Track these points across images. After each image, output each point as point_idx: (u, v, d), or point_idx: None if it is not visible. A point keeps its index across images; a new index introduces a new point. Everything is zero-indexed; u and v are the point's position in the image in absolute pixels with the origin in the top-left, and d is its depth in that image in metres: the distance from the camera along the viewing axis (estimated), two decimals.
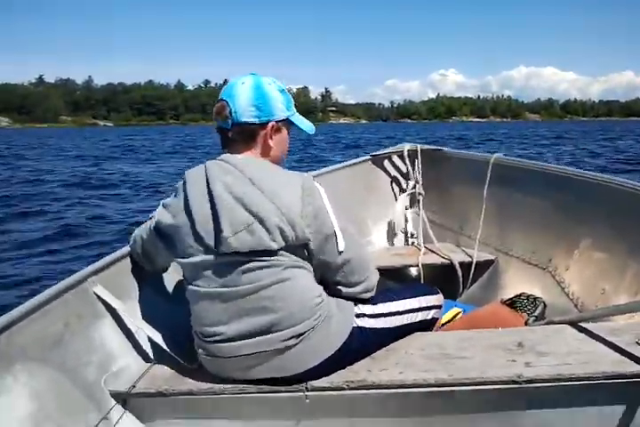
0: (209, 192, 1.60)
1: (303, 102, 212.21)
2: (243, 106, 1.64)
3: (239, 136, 1.68)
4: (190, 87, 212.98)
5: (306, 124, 1.81)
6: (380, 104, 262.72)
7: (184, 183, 1.68)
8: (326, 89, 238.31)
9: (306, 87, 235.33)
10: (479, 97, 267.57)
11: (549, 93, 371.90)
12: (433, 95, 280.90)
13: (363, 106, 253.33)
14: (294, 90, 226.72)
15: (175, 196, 1.72)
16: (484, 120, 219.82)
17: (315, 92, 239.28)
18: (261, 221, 1.53)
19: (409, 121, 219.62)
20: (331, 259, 1.66)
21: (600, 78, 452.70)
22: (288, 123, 1.76)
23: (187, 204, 1.63)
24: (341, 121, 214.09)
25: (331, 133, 55.97)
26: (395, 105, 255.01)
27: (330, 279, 1.73)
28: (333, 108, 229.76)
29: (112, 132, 79.67)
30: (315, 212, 1.60)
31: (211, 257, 1.61)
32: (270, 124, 1.68)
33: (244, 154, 1.69)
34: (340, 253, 1.65)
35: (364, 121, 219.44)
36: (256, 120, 1.66)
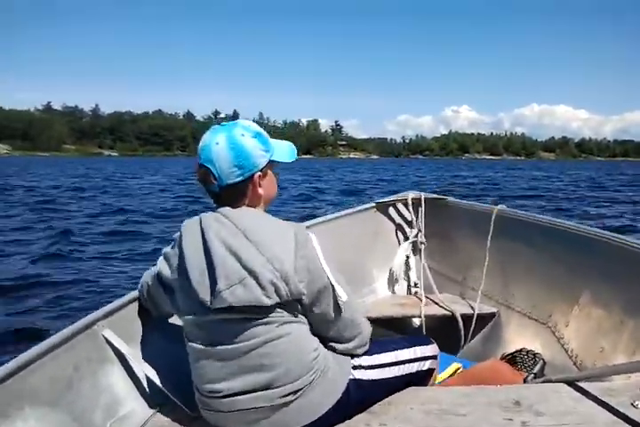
0: (204, 245, 1.62)
1: (312, 136, 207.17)
2: (224, 169, 1.65)
3: (229, 196, 1.71)
4: (200, 118, 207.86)
5: (286, 155, 1.81)
6: (392, 139, 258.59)
7: (180, 235, 1.71)
8: (337, 122, 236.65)
9: (316, 120, 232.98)
10: (492, 134, 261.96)
11: (561, 132, 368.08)
12: (445, 131, 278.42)
13: (374, 141, 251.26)
14: (304, 122, 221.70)
15: (173, 247, 1.75)
16: (498, 158, 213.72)
17: (326, 126, 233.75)
18: (255, 277, 1.54)
19: (420, 157, 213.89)
20: (324, 312, 1.68)
21: (612, 117, 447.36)
22: (270, 163, 1.75)
23: (182, 257, 1.66)
24: (351, 156, 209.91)
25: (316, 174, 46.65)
26: (406, 140, 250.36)
27: (322, 334, 1.74)
28: (343, 143, 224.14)
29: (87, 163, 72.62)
30: (308, 265, 1.61)
31: (206, 315, 1.63)
32: (256, 176, 1.70)
33: (238, 208, 1.71)
34: (339, 306, 1.68)
35: (374, 156, 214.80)
36: (241, 178, 1.67)
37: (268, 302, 1.55)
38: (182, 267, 1.65)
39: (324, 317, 1.68)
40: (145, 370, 1.94)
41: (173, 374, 1.95)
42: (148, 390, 1.96)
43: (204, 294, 1.59)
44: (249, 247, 1.57)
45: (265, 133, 1.75)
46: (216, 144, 1.65)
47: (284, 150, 1.80)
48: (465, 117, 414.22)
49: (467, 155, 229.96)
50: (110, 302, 2.06)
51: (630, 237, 2.42)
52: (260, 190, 1.72)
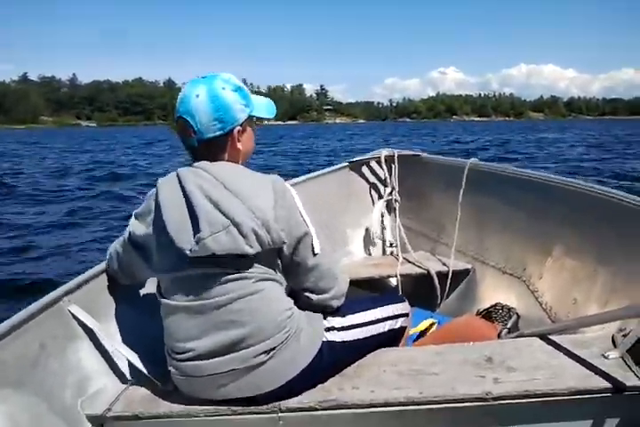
0: (185, 197, 1.61)
1: (297, 100, 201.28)
2: (204, 123, 1.63)
3: (208, 151, 1.69)
4: (180, 85, 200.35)
5: (265, 111, 1.80)
6: (379, 103, 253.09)
7: (156, 191, 1.69)
8: (322, 87, 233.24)
9: (300, 85, 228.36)
10: (480, 95, 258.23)
11: (549, 91, 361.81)
12: (432, 93, 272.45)
13: (360, 105, 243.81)
14: (288, 88, 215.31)
15: (146, 205, 1.73)
16: (487, 119, 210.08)
17: (311, 91, 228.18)
18: (237, 225, 1.54)
19: (408, 120, 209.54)
20: (303, 260, 1.69)
21: (600, 76, 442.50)
22: (250, 118, 1.74)
23: (159, 210, 1.64)
24: (337, 121, 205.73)
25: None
26: (394, 104, 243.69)
27: (299, 286, 1.76)
28: (329, 107, 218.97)
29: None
30: (288, 215, 1.63)
31: (184, 269, 1.63)
32: (236, 130, 1.68)
33: (216, 162, 1.70)
34: (315, 254, 1.69)
35: (361, 120, 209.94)
36: (221, 132, 1.66)
37: (250, 250, 1.55)
38: (159, 220, 1.63)
39: (301, 265, 1.69)
40: (115, 345, 1.91)
41: (144, 348, 1.93)
42: (119, 365, 1.93)
43: (185, 242, 1.57)
44: (230, 197, 1.57)
45: (245, 88, 1.73)
46: (196, 96, 1.63)
47: (264, 106, 1.79)
48: (452, 79, 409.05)
49: (455, 117, 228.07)
50: (75, 276, 2.01)
51: (599, 185, 2.41)
52: (239, 145, 1.71)
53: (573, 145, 28.63)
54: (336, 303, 1.79)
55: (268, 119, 1.82)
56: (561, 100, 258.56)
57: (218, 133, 1.65)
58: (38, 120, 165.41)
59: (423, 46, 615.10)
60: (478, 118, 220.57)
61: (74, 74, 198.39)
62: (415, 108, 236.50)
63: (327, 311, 1.80)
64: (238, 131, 1.68)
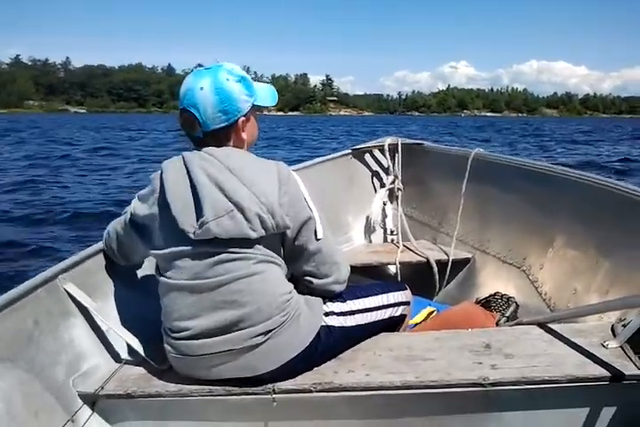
0: (190, 179, 1.62)
1: (300, 91, 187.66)
2: (209, 114, 1.64)
3: (213, 141, 1.70)
4: (180, 72, 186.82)
5: (268, 99, 1.81)
6: (387, 95, 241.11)
7: (161, 173, 1.70)
8: (327, 76, 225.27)
9: (305, 74, 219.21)
10: (492, 90, 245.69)
11: (560, 88, 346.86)
12: (443, 87, 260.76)
13: (367, 97, 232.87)
14: (292, 77, 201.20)
15: (151, 187, 1.73)
16: (499, 115, 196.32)
17: (317, 81, 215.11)
18: (241, 210, 1.56)
19: (417, 114, 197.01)
20: (305, 244, 1.70)
21: (612, 74, 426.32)
22: (253, 107, 1.76)
23: (163, 193, 1.65)
24: (342, 113, 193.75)
25: None
26: (403, 96, 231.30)
27: (300, 270, 1.77)
28: (333, 99, 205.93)
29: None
30: (292, 200, 1.64)
31: (185, 247, 1.63)
32: (240, 121, 1.70)
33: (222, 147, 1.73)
34: (318, 239, 1.70)
35: (367, 113, 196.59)
36: (226, 123, 1.68)
37: (253, 234, 1.57)
38: (164, 200, 1.64)
39: (303, 250, 1.70)
40: (109, 324, 1.91)
41: (139, 328, 1.95)
42: (113, 344, 1.94)
43: (188, 225, 1.59)
44: (235, 182, 1.59)
45: (249, 77, 1.74)
46: (200, 89, 1.64)
47: (266, 94, 1.80)
48: (463, 74, 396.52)
49: (466, 111, 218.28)
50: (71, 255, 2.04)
51: (602, 177, 2.40)
52: (244, 135, 1.73)
53: None
54: (337, 288, 1.80)
55: (269, 108, 1.83)
56: (576, 97, 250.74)
57: (223, 125, 1.66)
58: (23, 105, 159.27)
59: (434, 40, 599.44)
60: (490, 113, 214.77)
61: (67, 57, 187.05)
62: (425, 102, 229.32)
63: (328, 296, 1.81)
64: (243, 121, 1.70)
